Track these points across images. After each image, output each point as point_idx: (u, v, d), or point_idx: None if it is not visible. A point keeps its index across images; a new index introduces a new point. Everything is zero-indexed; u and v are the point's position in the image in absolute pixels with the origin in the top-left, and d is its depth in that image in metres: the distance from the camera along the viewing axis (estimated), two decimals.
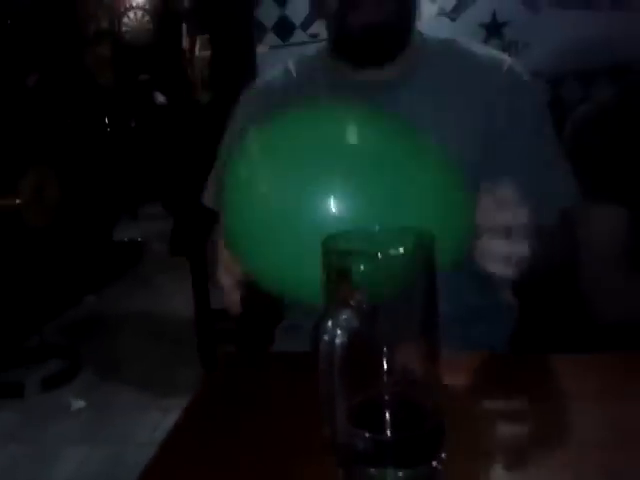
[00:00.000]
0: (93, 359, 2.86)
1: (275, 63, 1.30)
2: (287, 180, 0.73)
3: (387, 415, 0.62)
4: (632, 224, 1.15)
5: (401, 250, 0.60)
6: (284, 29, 2.00)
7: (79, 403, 2.51)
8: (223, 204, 0.80)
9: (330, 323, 0.56)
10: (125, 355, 2.92)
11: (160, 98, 5.04)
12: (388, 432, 0.62)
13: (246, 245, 0.79)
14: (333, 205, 0.71)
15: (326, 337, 0.55)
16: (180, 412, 0.78)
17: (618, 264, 1.14)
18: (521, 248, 0.72)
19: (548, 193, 1.03)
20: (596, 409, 0.71)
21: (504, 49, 1.86)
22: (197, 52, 5.38)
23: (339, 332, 0.56)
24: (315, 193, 0.71)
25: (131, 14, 5.52)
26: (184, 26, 5.57)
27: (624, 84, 1.34)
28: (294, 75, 1.17)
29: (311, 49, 1.21)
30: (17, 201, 2.79)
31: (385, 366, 0.61)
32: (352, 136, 0.79)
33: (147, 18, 5.53)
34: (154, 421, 2.28)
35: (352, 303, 0.58)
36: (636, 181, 1.14)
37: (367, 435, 0.61)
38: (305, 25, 2.01)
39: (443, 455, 0.61)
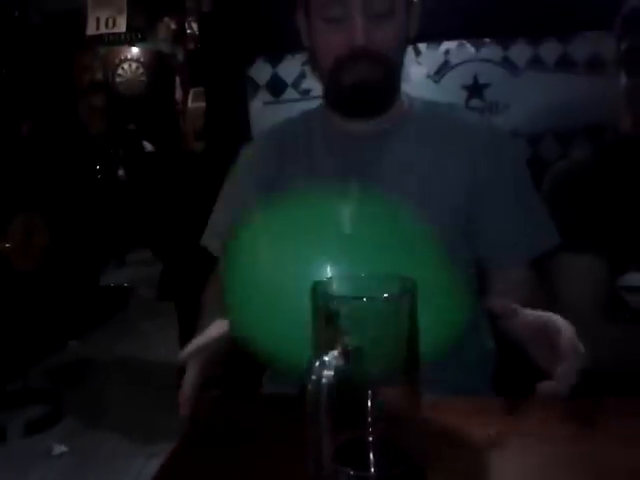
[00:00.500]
0: (76, 404, 2.84)
1: (268, 117, 1.40)
2: (283, 257, 0.82)
3: (371, 454, 0.66)
4: (608, 274, 1.20)
5: (385, 295, 0.65)
6: (276, 86, 2.08)
7: (61, 448, 2.48)
8: (224, 265, 0.86)
9: (317, 364, 0.60)
10: (109, 401, 2.91)
11: (148, 147, 5.12)
12: (372, 470, 0.65)
13: (240, 303, 0.84)
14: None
15: (313, 377, 0.59)
16: (163, 458, 0.79)
17: (595, 313, 1.18)
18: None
19: (532, 235, 1.11)
20: (570, 450, 0.75)
21: (485, 110, 1.94)
22: (189, 104, 5.50)
23: (326, 372, 0.60)
24: (308, 272, 0.76)
25: (125, 66, 5.63)
26: (177, 79, 5.71)
27: (599, 143, 1.40)
28: (295, 124, 1.28)
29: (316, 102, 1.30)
30: (6, 245, 2.81)
31: (369, 406, 0.64)
32: (345, 219, 0.86)
33: (141, 70, 5.65)
34: (137, 467, 2.26)
35: (338, 345, 0.62)
36: (612, 231, 1.19)
37: (351, 473, 0.64)
38: (296, 84, 2.09)
39: None
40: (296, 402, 0.65)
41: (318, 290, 0.67)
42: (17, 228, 2.86)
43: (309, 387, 0.59)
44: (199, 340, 0.93)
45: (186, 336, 2.56)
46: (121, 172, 4.88)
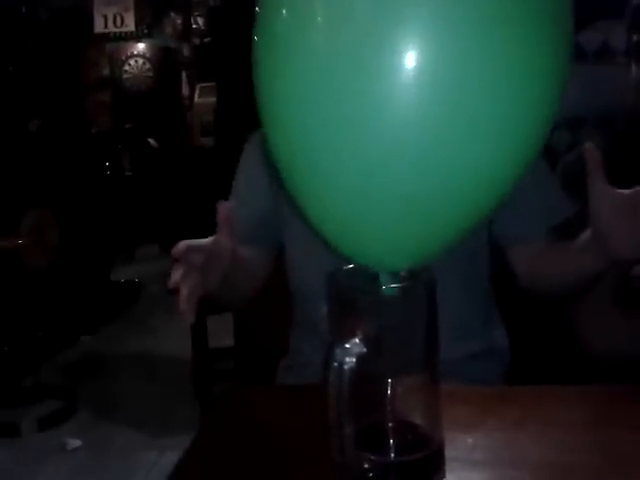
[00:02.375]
0: (89, 399, 2.86)
1: None
2: None
3: (391, 440, 0.67)
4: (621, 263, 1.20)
5: (403, 284, 0.66)
6: None
7: (75, 442, 2.50)
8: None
9: (339, 350, 0.61)
10: (121, 395, 2.92)
11: (153, 143, 5.14)
12: (392, 455, 0.66)
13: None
14: None
15: (336, 364, 0.60)
16: (176, 452, 0.79)
17: (608, 301, 1.18)
18: None
19: (549, 205, 1.11)
20: (587, 437, 0.76)
21: None
22: (196, 99, 5.52)
23: (348, 359, 0.60)
24: None
25: (132, 62, 5.64)
26: (183, 74, 5.72)
27: (609, 132, 1.40)
28: None
29: None
30: (18, 242, 2.83)
31: (389, 393, 0.65)
32: None
33: (148, 66, 5.66)
34: (150, 461, 2.28)
35: (359, 333, 0.63)
36: None
37: (372, 458, 0.65)
38: None
39: (444, 479, 0.65)
40: (315, 393, 0.66)
41: (336, 279, 0.68)
42: (28, 225, 2.87)
43: (331, 373, 0.60)
44: (195, 240, 0.85)
45: (197, 330, 2.56)
46: (127, 168, 4.91)
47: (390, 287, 0.65)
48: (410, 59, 0.53)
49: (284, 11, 0.59)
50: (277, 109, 0.62)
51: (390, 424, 0.66)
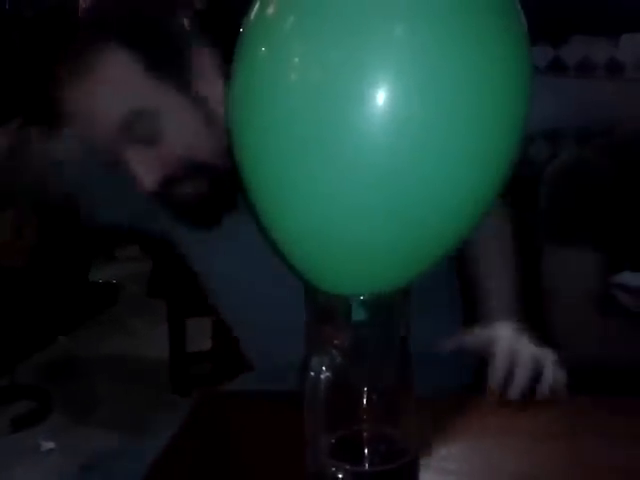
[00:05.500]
0: (65, 401, 2.83)
1: None
2: None
3: (365, 449, 0.67)
4: (604, 270, 1.21)
5: (378, 292, 0.66)
6: None
7: (49, 444, 2.48)
8: None
9: (315, 360, 0.61)
10: (98, 397, 2.90)
11: None
12: (366, 465, 0.66)
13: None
14: None
15: (312, 373, 0.60)
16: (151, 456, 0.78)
17: (588, 308, 1.20)
18: None
19: None
20: (560, 447, 0.76)
21: None
22: None
23: (324, 368, 0.61)
24: None
25: None
26: None
27: (607, 141, 1.40)
28: None
29: None
30: None
31: (365, 402, 0.66)
32: None
33: None
34: None
35: (336, 342, 0.63)
36: (611, 229, 1.21)
37: (347, 468, 0.65)
38: None
39: None
40: (289, 400, 0.66)
41: (314, 288, 0.68)
42: (5, 223, 2.84)
43: (307, 382, 0.60)
44: None
45: (175, 333, 2.54)
46: None
47: (360, 312, 0.65)
48: (381, 92, 0.54)
49: (263, 47, 0.61)
50: (250, 137, 0.63)
51: (365, 434, 0.66)
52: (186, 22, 0.92)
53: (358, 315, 0.65)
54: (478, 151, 0.59)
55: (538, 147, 2.05)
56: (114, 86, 0.88)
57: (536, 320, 1.22)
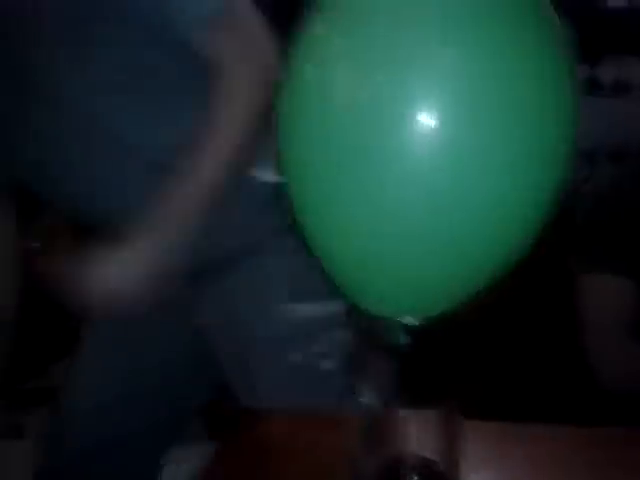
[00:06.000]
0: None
1: None
2: None
3: (408, 475, 0.67)
4: (637, 295, 1.21)
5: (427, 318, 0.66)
6: None
7: None
8: None
9: (364, 386, 0.62)
10: None
11: None
12: None
13: None
14: None
15: (362, 399, 0.61)
16: None
17: (621, 335, 1.19)
18: None
19: None
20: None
21: None
22: None
23: (372, 394, 0.62)
24: None
25: None
26: None
27: (623, 165, 1.41)
28: None
29: None
30: (33, 244, 2.83)
31: (410, 428, 0.66)
32: None
33: None
34: None
35: (382, 367, 0.64)
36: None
37: None
38: None
39: None
40: (329, 418, 0.67)
41: (359, 310, 0.69)
42: (44, 228, 2.88)
43: (359, 409, 0.61)
44: None
45: None
46: None
47: (402, 337, 0.66)
48: (426, 113, 0.54)
49: (310, 64, 0.61)
50: (297, 157, 0.64)
51: (408, 459, 0.67)
52: None
53: (403, 339, 0.66)
54: (530, 173, 0.59)
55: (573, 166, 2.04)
56: None
57: (570, 345, 1.22)
